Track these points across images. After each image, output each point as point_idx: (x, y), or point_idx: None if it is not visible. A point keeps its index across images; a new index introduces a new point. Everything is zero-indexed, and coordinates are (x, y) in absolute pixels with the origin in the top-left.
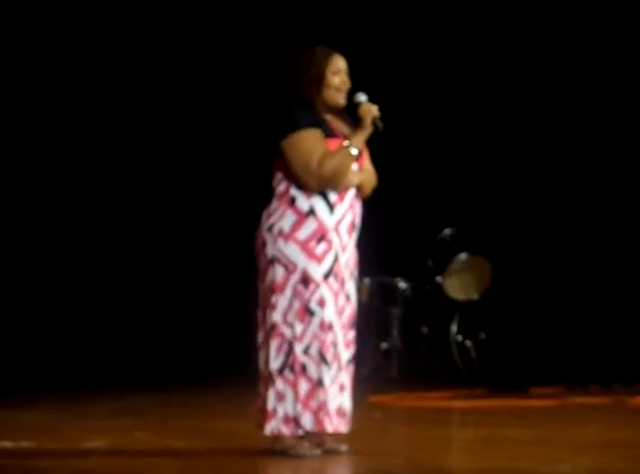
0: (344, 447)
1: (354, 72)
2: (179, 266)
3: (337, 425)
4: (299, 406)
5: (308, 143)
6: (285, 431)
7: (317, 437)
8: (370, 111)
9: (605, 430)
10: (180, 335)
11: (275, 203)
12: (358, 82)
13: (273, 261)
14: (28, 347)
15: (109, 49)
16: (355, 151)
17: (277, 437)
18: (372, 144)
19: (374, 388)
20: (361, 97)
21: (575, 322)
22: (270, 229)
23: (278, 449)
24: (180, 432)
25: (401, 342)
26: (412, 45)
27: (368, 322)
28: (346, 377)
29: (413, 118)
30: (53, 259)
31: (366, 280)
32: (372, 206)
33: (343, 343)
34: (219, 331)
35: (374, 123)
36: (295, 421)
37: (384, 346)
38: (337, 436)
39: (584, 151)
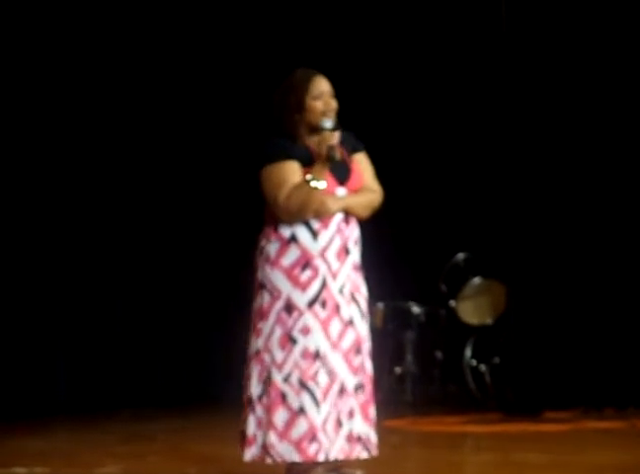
0: (359, 472)
1: (370, 97)
2: (196, 292)
3: (347, 451)
4: (273, 435)
5: (279, 176)
6: (266, 458)
7: (332, 463)
8: (326, 140)
9: (620, 454)
10: (195, 360)
11: (265, 227)
12: (371, 106)
13: (261, 286)
14: (39, 372)
15: (110, 55)
16: (320, 184)
17: (291, 464)
18: (386, 167)
19: (389, 413)
20: (326, 123)
21: (589, 346)
22: (260, 253)
23: None
24: (194, 457)
25: (415, 366)
26: (430, 71)
27: (382, 347)
28: (354, 403)
29: (427, 142)
30: (64, 282)
31: (380, 305)
32: (386, 231)
33: (347, 368)
34: (234, 357)
35: (329, 154)
36: (273, 449)
37: (398, 370)
38: (352, 462)
39: (599, 175)
